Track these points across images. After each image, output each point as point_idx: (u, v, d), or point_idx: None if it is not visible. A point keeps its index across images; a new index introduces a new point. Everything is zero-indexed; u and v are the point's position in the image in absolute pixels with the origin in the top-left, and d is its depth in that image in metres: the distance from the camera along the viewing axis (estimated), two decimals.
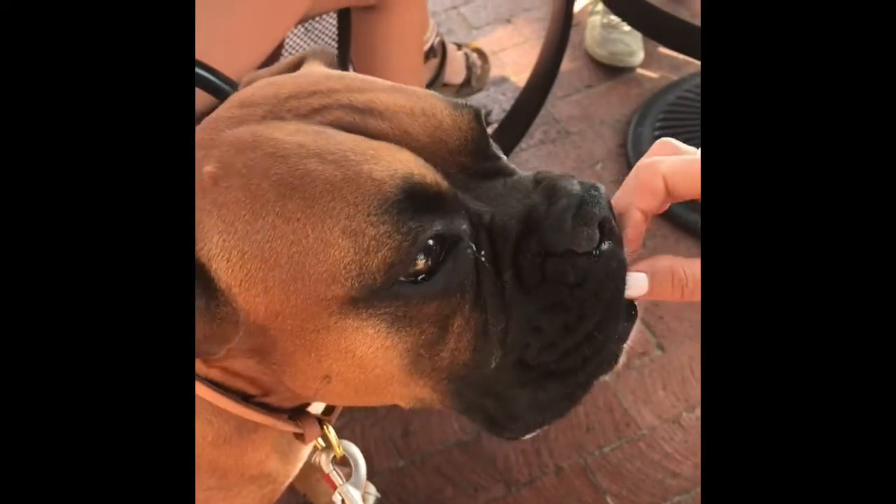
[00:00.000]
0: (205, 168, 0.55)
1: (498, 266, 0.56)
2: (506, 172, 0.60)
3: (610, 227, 0.57)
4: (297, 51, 1.74)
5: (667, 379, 1.55)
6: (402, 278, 0.54)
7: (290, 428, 0.72)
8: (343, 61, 1.48)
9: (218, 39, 1.13)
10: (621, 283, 0.57)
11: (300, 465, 0.83)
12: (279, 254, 0.54)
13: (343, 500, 0.76)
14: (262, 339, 0.59)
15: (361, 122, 0.56)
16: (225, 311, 0.56)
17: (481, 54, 2.12)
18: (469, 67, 2.08)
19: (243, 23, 1.19)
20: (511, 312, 0.57)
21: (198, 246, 0.54)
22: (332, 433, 0.76)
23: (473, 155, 0.59)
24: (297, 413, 0.73)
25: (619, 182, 2.01)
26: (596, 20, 2.17)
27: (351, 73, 0.63)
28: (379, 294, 0.54)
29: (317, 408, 0.77)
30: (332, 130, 0.56)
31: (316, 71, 0.66)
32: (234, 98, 0.63)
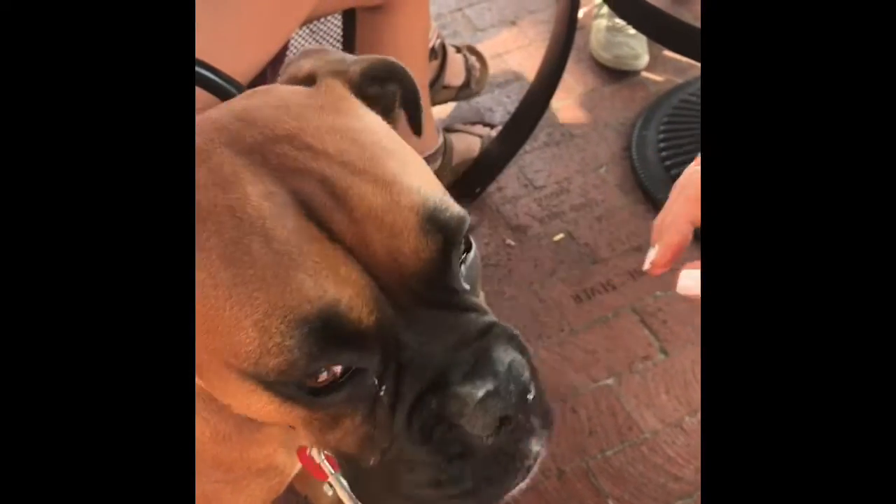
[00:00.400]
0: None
1: (395, 401, 0.57)
2: (459, 307, 0.58)
3: (514, 421, 0.57)
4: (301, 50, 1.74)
5: (670, 383, 1.55)
6: (295, 386, 0.55)
7: None
8: None
9: (223, 40, 1.13)
10: (512, 468, 0.59)
11: None
12: (200, 308, 0.54)
13: (335, 490, 0.76)
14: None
15: (329, 210, 0.54)
16: None
17: (479, 57, 2.12)
18: (468, 70, 2.08)
19: (249, 23, 1.19)
20: (395, 441, 0.58)
21: None
22: None
23: (427, 283, 0.57)
24: None
25: (622, 185, 2.00)
26: (601, 23, 2.16)
27: (355, 134, 0.59)
28: (271, 385, 0.55)
29: None
30: (293, 211, 0.54)
31: (326, 111, 0.61)
32: (242, 103, 0.63)
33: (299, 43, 1.76)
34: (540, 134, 2.00)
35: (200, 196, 0.55)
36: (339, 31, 1.75)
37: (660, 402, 1.52)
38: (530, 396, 0.58)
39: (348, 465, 0.63)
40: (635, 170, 1.89)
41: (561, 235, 1.80)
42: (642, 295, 1.68)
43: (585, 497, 1.40)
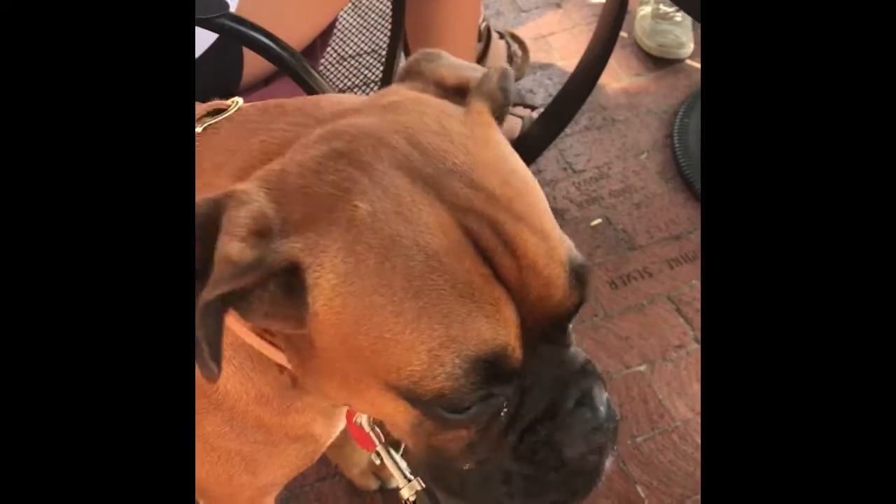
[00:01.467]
0: (356, 202, 0.57)
1: (510, 423, 0.62)
2: (564, 343, 0.64)
3: (604, 449, 0.65)
4: (347, 27, 1.74)
5: None
6: (441, 408, 0.59)
7: None
8: (395, 38, 1.48)
9: (282, 11, 1.14)
10: (591, 482, 0.65)
11: (341, 426, 0.85)
12: (371, 329, 0.57)
13: (381, 460, 0.78)
14: (309, 352, 0.62)
15: (499, 254, 0.57)
16: (298, 313, 0.59)
17: (522, 45, 2.11)
18: (510, 57, 2.07)
19: None
20: (497, 452, 0.63)
21: (310, 262, 0.57)
22: None
23: (555, 326, 0.61)
24: None
25: (663, 173, 1.99)
26: (646, 10, 2.14)
27: (510, 175, 0.62)
28: (418, 402, 0.59)
29: None
30: (469, 250, 0.57)
31: (489, 140, 0.64)
32: (397, 117, 0.62)
33: (344, 18, 1.76)
34: (581, 118, 2.00)
35: (382, 222, 0.56)
36: (381, 6, 1.75)
37: (692, 390, 1.52)
38: (615, 427, 0.66)
39: (437, 459, 0.66)
40: (676, 157, 1.88)
41: (599, 220, 1.80)
42: (678, 284, 1.68)
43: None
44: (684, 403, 1.50)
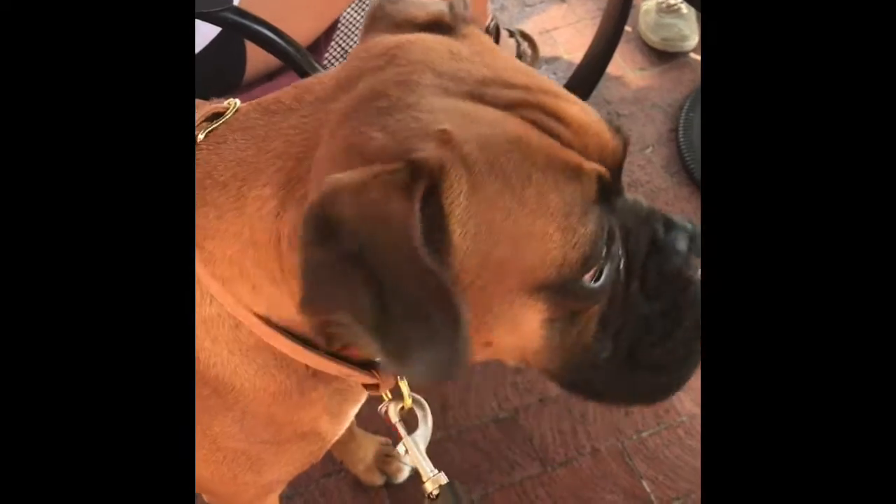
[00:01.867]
0: (438, 125, 0.58)
1: (627, 277, 0.67)
2: (622, 192, 0.68)
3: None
4: (352, 21, 1.74)
5: None
6: (584, 281, 0.62)
7: (366, 378, 0.73)
8: None
9: (291, 8, 1.15)
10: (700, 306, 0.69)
11: (346, 425, 0.85)
12: (508, 233, 0.59)
13: (406, 451, 0.79)
14: None
15: (554, 127, 0.62)
16: (435, 264, 0.57)
17: (531, 42, 2.11)
18: (520, 56, 2.06)
19: None
20: (629, 313, 0.67)
21: (447, 198, 0.57)
22: (404, 383, 0.78)
23: (615, 176, 0.66)
24: (371, 364, 0.74)
25: (668, 167, 1.99)
26: (650, 5, 2.14)
27: (526, 69, 0.66)
28: (566, 286, 0.62)
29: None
30: (535, 132, 0.61)
31: (496, 52, 0.68)
32: (408, 58, 0.63)
33: (350, 14, 1.76)
34: None
35: (468, 132, 0.59)
36: None
37: (698, 386, 1.50)
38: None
39: (576, 359, 0.68)
40: (681, 152, 1.87)
41: None
42: None
43: (619, 476, 1.41)
44: (690, 399, 1.50)
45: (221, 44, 1.13)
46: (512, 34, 2.08)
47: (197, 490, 0.88)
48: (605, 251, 0.63)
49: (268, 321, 0.67)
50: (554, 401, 1.51)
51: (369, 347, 0.56)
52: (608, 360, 0.68)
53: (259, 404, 0.73)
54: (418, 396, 0.80)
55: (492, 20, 1.98)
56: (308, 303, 0.56)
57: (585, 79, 1.89)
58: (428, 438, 0.79)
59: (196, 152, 0.68)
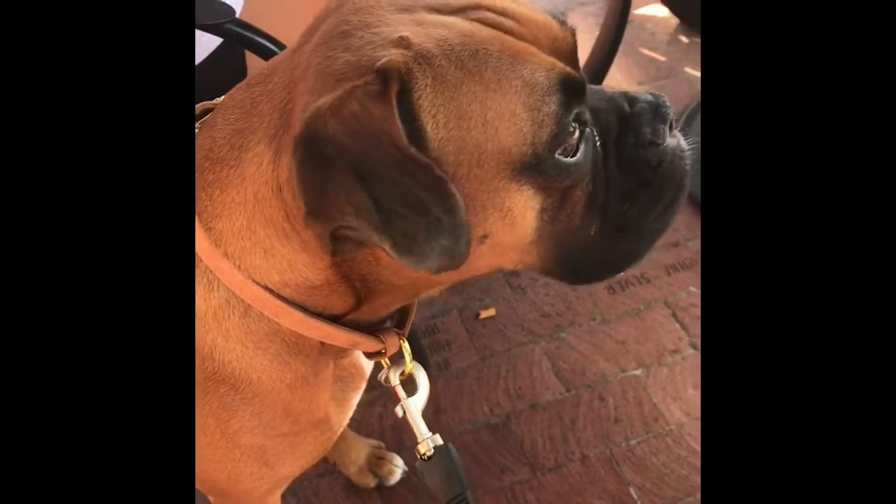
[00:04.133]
0: (397, 34, 0.63)
1: (604, 155, 0.72)
2: (583, 79, 0.72)
3: (674, 125, 0.75)
4: None
5: (698, 377, 1.56)
6: (558, 153, 0.66)
7: (373, 345, 0.77)
8: None
9: (288, 18, 1.17)
10: (685, 166, 0.75)
11: (351, 413, 0.89)
12: (477, 116, 0.63)
13: (404, 413, 0.81)
14: None
15: (505, 24, 0.66)
16: (424, 157, 0.62)
17: None
18: None
19: None
20: (611, 188, 0.72)
21: (410, 85, 0.61)
22: (407, 347, 0.81)
23: (572, 65, 0.69)
24: (376, 329, 0.78)
25: None
26: None
27: None
28: (541, 164, 0.65)
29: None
30: (489, 28, 0.65)
31: None
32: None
33: None
34: None
35: (427, 32, 0.63)
36: None
37: (687, 395, 1.54)
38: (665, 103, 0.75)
39: (567, 242, 0.72)
40: None
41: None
42: (675, 290, 1.70)
43: (608, 483, 1.43)
44: (679, 407, 1.52)
45: (221, 57, 1.16)
46: None
47: (208, 493, 0.91)
48: (575, 131, 0.67)
49: (279, 296, 0.70)
50: (545, 407, 1.53)
51: (382, 244, 0.60)
52: (596, 237, 0.73)
53: (277, 395, 0.76)
54: (417, 364, 0.83)
55: None
56: (313, 214, 0.59)
57: None
58: (425, 403, 0.82)
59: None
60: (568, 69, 0.66)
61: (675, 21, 2.29)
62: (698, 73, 2.13)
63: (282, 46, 1.07)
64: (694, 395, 1.54)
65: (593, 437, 1.49)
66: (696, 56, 2.16)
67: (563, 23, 0.70)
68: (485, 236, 0.67)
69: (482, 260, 0.70)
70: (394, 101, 0.59)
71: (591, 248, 0.73)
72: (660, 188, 0.73)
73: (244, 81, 0.72)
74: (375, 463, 1.44)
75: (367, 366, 0.89)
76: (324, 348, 0.76)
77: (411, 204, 0.59)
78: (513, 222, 0.67)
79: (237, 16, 1.09)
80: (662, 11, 2.34)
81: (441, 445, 0.80)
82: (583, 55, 1.98)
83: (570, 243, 0.72)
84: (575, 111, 0.66)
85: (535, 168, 0.65)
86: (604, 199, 0.72)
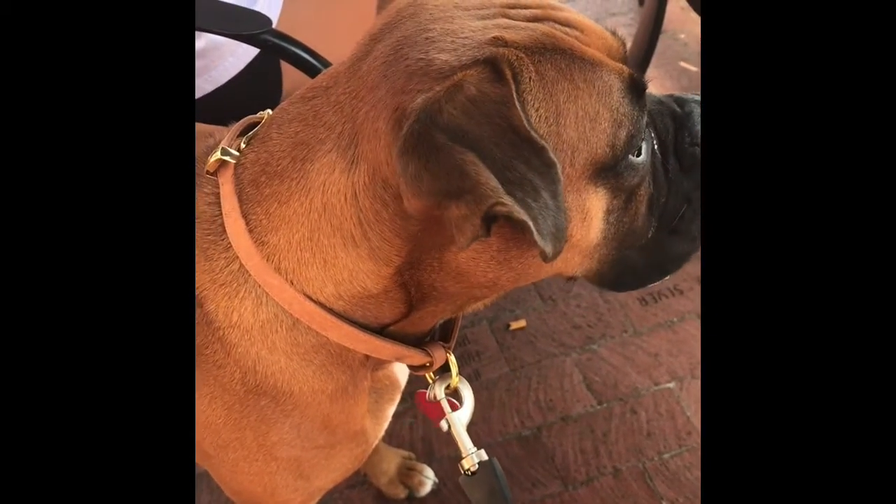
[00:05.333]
0: (490, 34, 0.64)
1: (663, 156, 0.74)
2: (641, 83, 0.73)
3: None
4: None
5: None
6: (630, 158, 0.68)
7: (419, 358, 0.76)
8: None
9: (325, 29, 1.18)
10: None
11: (386, 425, 0.88)
12: (571, 114, 0.64)
13: (449, 427, 0.82)
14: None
15: (571, 32, 0.67)
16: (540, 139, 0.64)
17: None
18: None
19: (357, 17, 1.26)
20: (671, 188, 0.74)
21: (518, 80, 0.62)
22: (453, 360, 0.81)
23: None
24: (421, 343, 0.78)
25: None
26: None
27: None
28: (618, 164, 0.67)
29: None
30: (562, 34, 0.66)
31: None
32: (434, 4, 0.68)
33: None
34: None
35: (522, 35, 0.64)
36: None
37: None
38: None
39: (627, 242, 0.73)
40: None
41: None
42: None
43: (640, 497, 1.41)
44: None
45: (257, 68, 1.17)
46: None
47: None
48: (643, 129, 0.69)
49: (329, 310, 0.70)
50: (576, 420, 1.52)
51: (527, 220, 0.58)
52: (651, 239, 0.75)
53: (317, 406, 0.76)
54: (464, 379, 0.83)
55: None
56: (457, 196, 0.57)
57: None
58: (470, 417, 0.82)
59: (241, 158, 0.71)
60: (634, 73, 0.68)
61: None
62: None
63: (318, 57, 1.07)
64: None
65: (625, 451, 1.47)
66: None
67: (614, 34, 0.72)
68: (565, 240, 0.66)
69: (550, 268, 0.70)
70: (511, 84, 0.60)
71: (645, 251, 0.74)
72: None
73: (296, 95, 0.72)
74: (406, 474, 1.44)
75: (402, 377, 0.89)
76: (365, 359, 0.76)
77: (526, 187, 0.58)
78: (589, 224, 0.68)
79: (274, 26, 1.10)
80: (696, 21, 2.32)
81: (486, 461, 0.80)
82: None
83: (629, 245, 0.73)
84: (645, 113, 0.68)
85: (612, 169, 0.67)
86: (664, 200, 0.74)
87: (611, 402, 1.55)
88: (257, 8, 1.15)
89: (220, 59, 1.16)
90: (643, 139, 0.69)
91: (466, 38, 0.63)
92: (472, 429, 1.50)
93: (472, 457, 0.80)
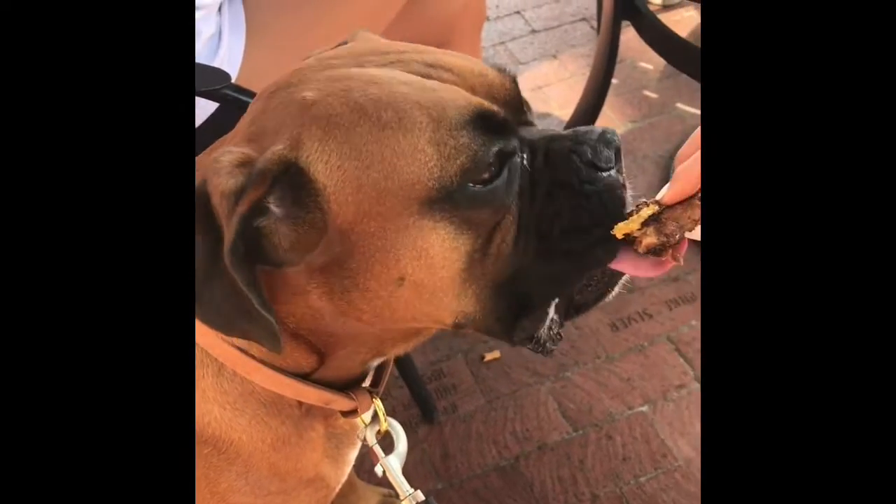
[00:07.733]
0: (303, 94, 0.66)
1: (530, 187, 0.69)
2: (527, 122, 0.73)
3: (620, 162, 0.71)
4: None
5: None
6: (471, 183, 0.65)
7: (344, 403, 0.78)
8: None
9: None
10: (621, 204, 0.70)
11: (348, 470, 0.89)
12: (374, 155, 0.64)
13: (384, 472, 0.83)
14: (341, 246, 0.66)
15: (434, 74, 0.68)
16: (315, 216, 0.65)
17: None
18: None
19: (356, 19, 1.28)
20: (540, 224, 0.68)
21: (297, 154, 0.64)
22: (380, 405, 0.82)
23: (515, 111, 0.71)
24: (349, 388, 0.79)
25: None
26: None
27: (410, 44, 0.73)
28: (452, 196, 0.65)
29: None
30: (410, 74, 0.68)
31: (376, 39, 0.76)
32: (308, 62, 0.72)
33: None
34: None
35: (332, 86, 0.67)
36: None
37: (694, 430, 1.54)
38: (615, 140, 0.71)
39: (508, 294, 0.70)
40: None
41: None
42: (678, 324, 1.71)
43: None
44: (687, 443, 1.53)
45: (218, 120, 1.19)
46: None
47: None
48: (495, 165, 0.66)
49: (249, 355, 0.72)
50: (553, 448, 1.54)
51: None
52: (534, 261, 0.69)
53: (260, 455, 0.77)
54: (392, 420, 0.85)
55: None
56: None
57: None
58: (403, 459, 0.84)
59: None
60: (485, 104, 0.66)
61: None
62: (691, 110, 2.17)
63: None
64: (701, 430, 1.53)
65: (602, 477, 1.49)
66: (689, 92, 2.20)
67: (502, 71, 0.72)
68: (401, 279, 0.66)
69: (410, 307, 0.69)
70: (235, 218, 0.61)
71: (529, 274, 0.70)
72: (590, 213, 0.68)
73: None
74: None
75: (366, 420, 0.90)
76: (308, 410, 0.77)
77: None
78: (430, 262, 0.66)
79: (234, 80, 1.12)
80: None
81: (423, 501, 0.82)
82: (575, 96, 2.02)
83: (508, 275, 0.69)
84: (497, 145, 0.66)
85: (446, 201, 0.65)
86: (532, 231, 0.69)
87: (586, 429, 1.57)
88: (216, 64, 1.17)
89: None
90: (491, 168, 0.65)
91: (290, 93, 0.68)
92: (450, 462, 1.53)
93: (409, 499, 0.81)
